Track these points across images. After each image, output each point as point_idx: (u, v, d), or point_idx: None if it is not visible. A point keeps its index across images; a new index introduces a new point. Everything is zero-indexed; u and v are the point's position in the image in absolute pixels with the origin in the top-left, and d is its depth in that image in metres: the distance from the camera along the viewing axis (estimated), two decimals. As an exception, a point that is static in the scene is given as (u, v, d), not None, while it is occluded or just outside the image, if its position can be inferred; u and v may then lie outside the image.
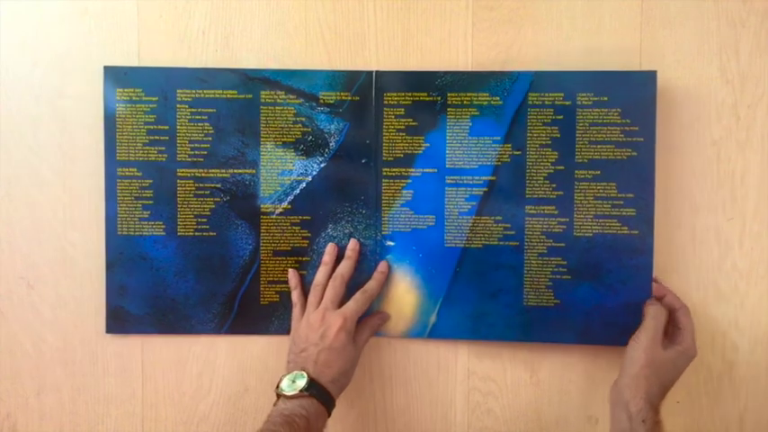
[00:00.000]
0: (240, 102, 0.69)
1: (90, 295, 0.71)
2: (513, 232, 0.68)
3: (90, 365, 0.72)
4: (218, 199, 0.70)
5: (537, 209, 0.68)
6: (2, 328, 0.72)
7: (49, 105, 0.71)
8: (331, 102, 0.69)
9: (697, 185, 0.69)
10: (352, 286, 0.68)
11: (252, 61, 0.70)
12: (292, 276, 0.70)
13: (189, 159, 0.70)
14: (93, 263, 0.71)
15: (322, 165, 0.70)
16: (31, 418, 0.72)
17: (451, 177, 0.68)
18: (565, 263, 0.67)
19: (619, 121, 0.66)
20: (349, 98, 0.69)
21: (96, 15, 0.70)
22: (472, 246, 0.68)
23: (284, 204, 0.70)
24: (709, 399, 0.70)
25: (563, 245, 0.67)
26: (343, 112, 0.69)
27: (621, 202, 0.66)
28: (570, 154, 0.67)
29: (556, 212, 0.67)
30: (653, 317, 0.63)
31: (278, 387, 0.61)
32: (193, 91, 0.69)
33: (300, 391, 0.60)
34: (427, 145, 0.68)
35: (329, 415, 0.61)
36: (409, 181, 0.69)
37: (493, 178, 0.68)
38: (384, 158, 0.69)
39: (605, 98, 0.66)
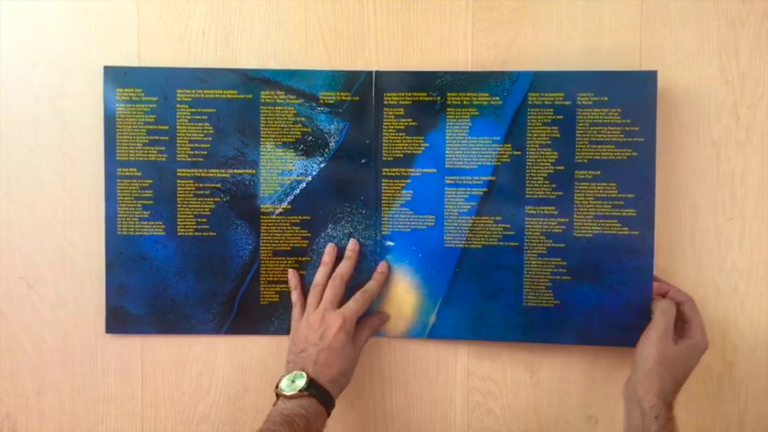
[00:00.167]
0: (240, 102, 0.69)
1: (90, 295, 0.71)
2: (512, 233, 0.68)
3: (90, 365, 0.72)
4: (218, 199, 0.70)
5: (537, 209, 0.67)
6: (2, 328, 0.72)
7: (49, 105, 0.71)
8: (331, 102, 0.69)
9: (697, 185, 0.69)
10: (351, 286, 0.68)
11: (252, 61, 0.70)
12: (292, 276, 0.70)
13: (189, 159, 0.70)
14: (92, 263, 0.71)
15: (322, 165, 0.70)
16: (31, 418, 0.72)
17: (451, 177, 0.68)
18: (565, 263, 0.67)
19: (619, 122, 0.66)
20: (349, 98, 0.69)
21: (96, 15, 0.70)
22: (472, 246, 0.68)
23: (284, 204, 0.70)
24: (709, 399, 0.70)
25: (563, 245, 0.67)
26: (342, 113, 0.69)
27: (622, 203, 0.66)
28: (570, 154, 0.67)
29: (556, 213, 0.67)
30: (663, 312, 0.63)
31: (277, 387, 0.61)
32: (193, 91, 0.69)
33: (300, 390, 0.60)
34: (427, 145, 0.68)
35: (329, 415, 0.61)
36: (409, 181, 0.69)
37: (492, 178, 0.68)
38: (384, 158, 0.69)
39: (605, 98, 0.66)
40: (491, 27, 0.70)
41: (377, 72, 0.69)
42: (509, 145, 0.67)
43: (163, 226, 0.70)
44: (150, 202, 0.70)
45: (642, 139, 0.66)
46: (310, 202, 0.70)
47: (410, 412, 0.72)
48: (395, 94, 0.68)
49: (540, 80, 0.67)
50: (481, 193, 0.68)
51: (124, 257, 0.70)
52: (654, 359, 0.61)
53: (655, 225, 0.66)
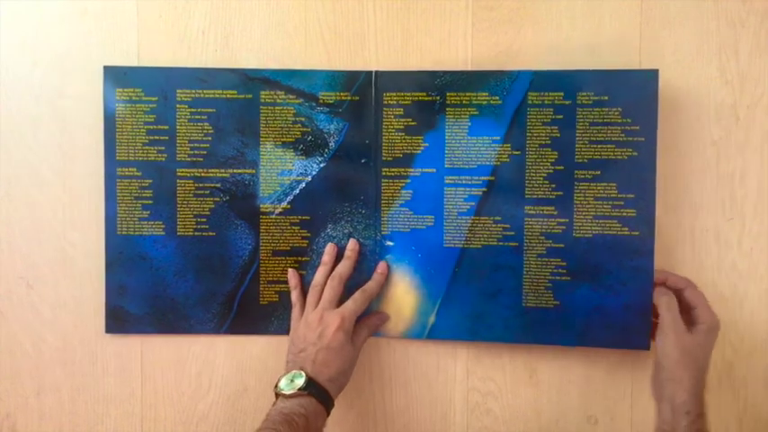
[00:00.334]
0: (240, 102, 0.69)
1: (89, 295, 0.71)
2: (512, 233, 0.68)
3: (89, 365, 0.72)
4: (218, 199, 0.70)
5: (536, 209, 0.67)
6: (1, 328, 0.72)
7: (49, 105, 0.71)
8: (330, 102, 0.69)
9: (697, 185, 0.69)
10: (351, 286, 0.68)
11: (252, 61, 0.70)
12: (292, 276, 0.70)
13: (189, 159, 0.70)
14: (92, 263, 0.71)
15: (321, 165, 0.70)
16: (31, 418, 0.72)
17: (450, 177, 0.68)
18: (564, 264, 0.67)
19: (619, 121, 0.66)
20: (348, 98, 0.69)
21: (96, 15, 0.70)
22: (471, 246, 0.68)
23: (284, 204, 0.70)
24: (709, 399, 0.69)
25: (562, 245, 0.67)
26: (342, 112, 0.69)
27: (622, 203, 0.66)
28: (570, 154, 0.67)
29: (555, 213, 0.67)
30: (667, 308, 0.63)
31: (276, 386, 0.61)
32: (193, 91, 0.69)
33: (299, 390, 0.60)
34: (426, 145, 0.68)
35: (328, 414, 0.61)
36: (408, 181, 0.69)
37: (492, 178, 0.68)
38: (383, 158, 0.69)
39: (606, 97, 0.66)
40: (491, 27, 0.70)
41: (376, 72, 0.69)
42: (509, 145, 0.67)
43: (162, 226, 0.70)
44: (150, 201, 0.70)
45: (643, 139, 0.65)
46: (310, 202, 0.70)
47: (410, 412, 0.72)
48: (394, 94, 0.68)
49: (540, 79, 0.67)
50: (481, 193, 0.68)
51: (124, 257, 0.70)
52: (676, 355, 0.61)
53: (655, 225, 0.66)
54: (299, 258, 0.70)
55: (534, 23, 0.69)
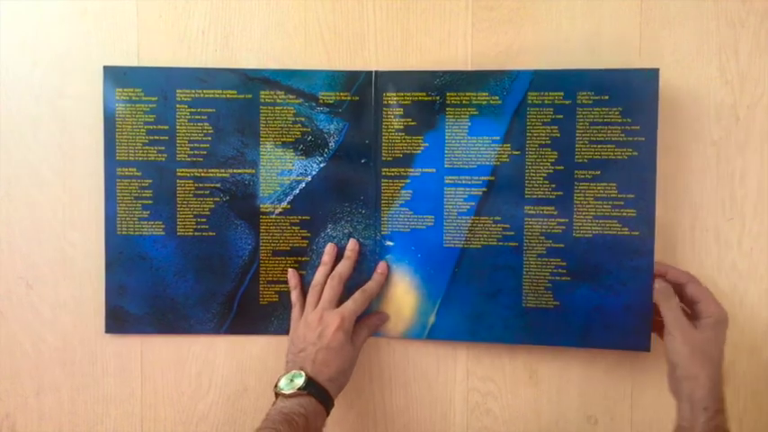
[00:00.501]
0: (240, 102, 0.69)
1: (89, 295, 0.71)
2: (512, 233, 0.68)
3: (89, 365, 0.72)
4: (218, 199, 0.70)
5: (536, 209, 0.67)
6: (1, 328, 0.72)
7: (49, 105, 0.71)
8: (330, 102, 0.69)
9: (696, 185, 0.69)
10: (351, 286, 0.68)
11: (251, 61, 0.70)
12: (292, 276, 0.70)
13: (188, 159, 0.70)
14: (92, 263, 0.71)
15: (321, 165, 0.70)
16: (31, 418, 0.72)
17: (450, 177, 0.68)
18: (564, 264, 0.67)
19: (620, 121, 0.66)
20: (348, 98, 0.69)
21: (96, 15, 0.70)
22: (471, 246, 0.68)
23: (284, 204, 0.70)
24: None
25: (562, 246, 0.67)
26: (342, 112, 0.69)
27: (622, 203, 0.66)
28: (570, 154, 0.67)
29: (555, 213, 0.67)
30: (669, 308, 0.62)
31: (276, 386, 0.61)
32: (193, 91, 0.69)
33: (299, 389, 0.60)
34: (426, 145, 0.68)
35: (328, 414, 0.61)
36: (408, 181, 0.69)
37: (492, 178, 0.68)
38: (383, 158, 0.69)
39: (606, 97, 0.66)
40: (491, 27, 0.70)
41: (376, 72, 0.69)
42: (508, 145, 0.67)
43: (162, 226, 0.70)
44: (150, 201, 0.70)
45: (643, 139, 0.65)
46: (310, 202, 0.70)
47: (409, 412, 0.72)
48: (394, 94, 0.68)
49: (540, 79, 0.66)
50: (480, 193, 0.68)
51: (124, 257, 0.70)
52: (686, 352, 0.60)
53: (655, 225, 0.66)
54: (299, 258, 0.70)
55: (534, 23, 0.69)
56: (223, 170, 0.70)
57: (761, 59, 0.68)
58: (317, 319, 0.64)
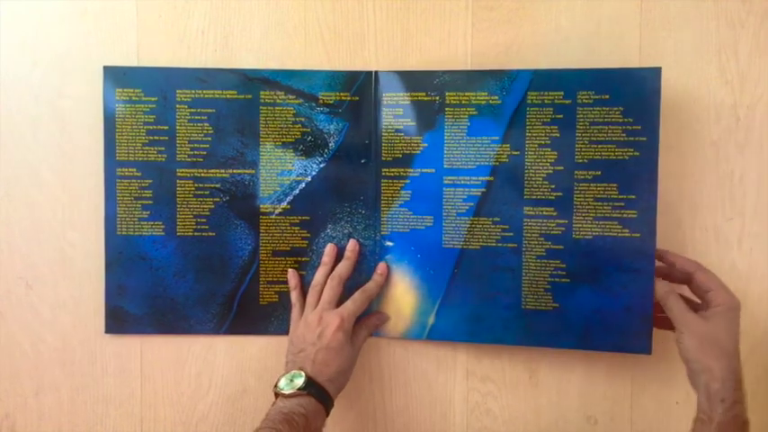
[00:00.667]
0: (240, 102, 0.69)
1: (89, 295, 0.71)
2: (511, 234, 0.67)
3: (89, 365, 0.72)
4: (218, 199, 0.70)
5: (536, 210, 0.67)
6: (1, 329, 0.72)
7: (49, 105, 0.71)
8: (330, 102, 0.69)
9: (696, 185, 0.69)
10: (351, 287, 0.68)
11: (251, 61, 0.70)
12: (291, 276, 0.70)
13: (188, 159, 0.70)
14: (92, 263, 0.71)
15: (321, 165, 0.70)
16: (30, 419, 0.72)
17: (449, 178, 0.68)
18: (564, 266, 0.66)
19: (620, 120, 0.65)
20: (348, 98, 0.69)
21: (96, 15, 0.70)
22: (470, 247, 0.68)
23: (283, 204, 0.70)
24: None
25: (562, 247, 0.66)
26: (342, 113, 0.69)
27: (622, 204, 0.65)
28: (570, 154, 0.66)
29: (555, 214, 0.67)
30: (670, 307, 0.61)
31: (276, 386, 0.61)
32: (193, 91, 0.69)
33: (298, 389, 0.60)
34: (425, 145, 0.68)
35: (327, 414, 0.61)
36: (408, 181, 0.69)
37: (491, 179, 0.67)
38: (383, 158, 0.69)
39: (606, 96, 0.65)
40: (491, 27, 0.70)
41: (376, 72, 0.69)
42: (508, 145, 0.67)
43: (162, 226, 0.70)
44: (150, 202, 0.70)
45: (644, 139, 0.64)
46: (310, 203, 0.70)
47: (409, 412, 0.72)
48: (394, 94, 0.68)
49: (540, 79, 0.66)
50: (480, 193, 0.68)
51: (123, 257, 0.70)
52: (695, 346, 0.59)
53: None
54: (299, 258, 0.70)
55: (534, 23, 0.69)
56: (223, 170, 0.70)
57: (761, 60, 0.68)
58: (317, 320, 0.64)
